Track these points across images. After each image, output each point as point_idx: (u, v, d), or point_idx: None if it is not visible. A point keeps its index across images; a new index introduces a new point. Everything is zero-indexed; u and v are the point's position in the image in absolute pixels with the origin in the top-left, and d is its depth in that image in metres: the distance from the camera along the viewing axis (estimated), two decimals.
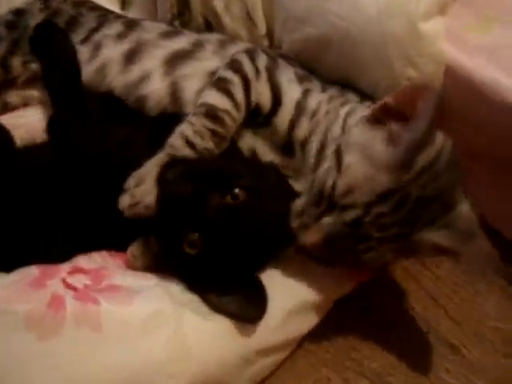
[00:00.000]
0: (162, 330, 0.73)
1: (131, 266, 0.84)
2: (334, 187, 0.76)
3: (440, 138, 0.77)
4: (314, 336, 0.89)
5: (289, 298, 0.84)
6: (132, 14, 1.28)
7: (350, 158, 0.77)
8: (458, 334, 0.95)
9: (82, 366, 0.69)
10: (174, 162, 0.83)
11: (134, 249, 0.83)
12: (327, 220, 0.77)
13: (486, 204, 0.90)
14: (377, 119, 0.79)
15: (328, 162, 0.80)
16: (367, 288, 0.93)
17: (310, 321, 0.87)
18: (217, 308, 0.78)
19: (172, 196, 0.78)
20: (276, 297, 0.80)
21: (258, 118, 0.92)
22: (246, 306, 0.78)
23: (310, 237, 0.78)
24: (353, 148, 0.78)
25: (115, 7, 1.30)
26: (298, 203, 0.81)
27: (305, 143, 0.89)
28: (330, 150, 0.81)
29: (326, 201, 0.77)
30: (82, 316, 0.71)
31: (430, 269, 1.02)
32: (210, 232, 0.77)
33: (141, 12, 1.28)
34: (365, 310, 0.95)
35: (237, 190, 0.78)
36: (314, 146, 0.86)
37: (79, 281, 0.76)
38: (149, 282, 0.80)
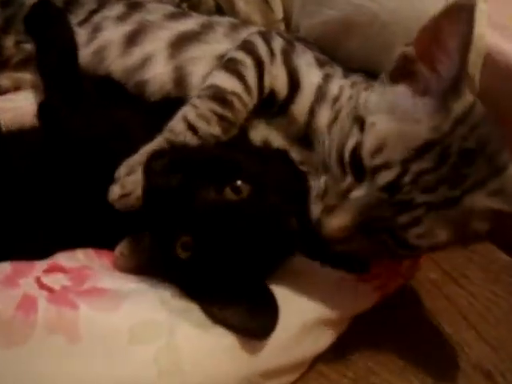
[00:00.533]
0: (152, 341, 0.63)
1: (119, 267, 0.74)
2: (358, 149, 0.64)
3: (469, 93, 0.66)
4: (329, 356, 0.78)
5: (302, 312, 0.73)
6: None
7: (373, 118, 0.66)
8: (493, 359, 0.83)
9: (51, 381, 0.59)
10: (164, 151, 0.73)
11: (123, 246, 0.74)
12: (357, 193, 0.64)
13: None
14: (397, 76, 0.68)
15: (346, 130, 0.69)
16: (391, 302, 0.82)
17: (324, 339, 0.76)
18: (218, 320, 0.67)
19: (157, 189, 0.67)
20: (287, 311, 0.69)
21: (272, 107, 0.83)
22: (253, 319, 0.67)
23: (339, 219, 0.64)
24: (375, 110, 0.67)
25: None
26: (317, 185, 0.70)
27: (326, 134, 0.78)
28: None
29: (351, 170, 0.65)
30: (56, 322, 0.61)
31: (462, 285, 0.91)
32: (203, 233, 0.65)
33: None
34: (387, 327, 0.83)
35: (239, 183, 0.67)
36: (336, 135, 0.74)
37: (56, 281, 0.66)
38: (139, 285, 0.70)
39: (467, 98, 0.65)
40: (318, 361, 0.77)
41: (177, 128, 0.75)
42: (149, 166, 0.69)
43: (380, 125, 0.64)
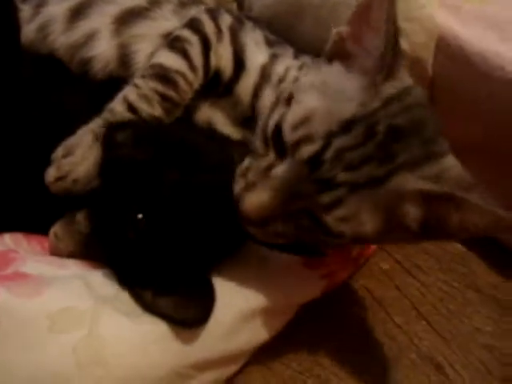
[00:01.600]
0: (72, 330, 0.60)
1: (53, 249, 0.71)
2: (281, 123, 0.61)
3: (409, 79, 0.64)
4: (272, 347, 0.75)
5: (241, 300, 0.70)
6: None
7: (302, 96, 0.62)
8: (444, 351, 0.81)
9: None
10: (122, 125, 0.70)
11: (56, 228, 0.71)
12: (278, 170, 0.60)
13: None
14: (333, 56, 0.66)
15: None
16: (338, 292, 0.80)
17: (266, 329, 0.72)
18: (149, 307, 0.64)
19: (118, 161, 0.64)
20: (225, 298, 0.67)
21: (217, 87, 0.79)
22: (186, 308, 0.64)
23: (256, 195, 0.60)
24: (306, 89, 0.63)
25: None
26: (243, 163, 0.66)
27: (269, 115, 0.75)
28: None
29: (273, 146, 0.62)
30: None
31: (415, 275, 0.88)
32: (160, 214, 0.63)
33: None
34: (334, 318, 0.81)
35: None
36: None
37: None
38: (66, 271, 0.67)
39: (403, 80, 0.62)
40: (262, 351, 0.74)
41: (116, 109, 0.72)
42: (110, 136, 0.66)
43: (307, 101, 0.61)
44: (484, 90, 0.79)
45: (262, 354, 0.75)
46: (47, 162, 0.69)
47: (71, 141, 0.69)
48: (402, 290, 0.86)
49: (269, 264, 0.74)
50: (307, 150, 0.57)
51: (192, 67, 0.75)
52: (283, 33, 0.88)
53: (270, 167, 0.62)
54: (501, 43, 0.78)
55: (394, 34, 0.58)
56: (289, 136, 0.59)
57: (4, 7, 0.86)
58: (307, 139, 0.58)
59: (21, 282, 0.62)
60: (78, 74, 0.85)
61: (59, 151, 0.69)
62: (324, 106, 0.59)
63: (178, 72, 0.74)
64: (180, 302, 0.64)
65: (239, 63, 0.78)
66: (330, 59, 0.65)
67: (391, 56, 0.59)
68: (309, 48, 0.86)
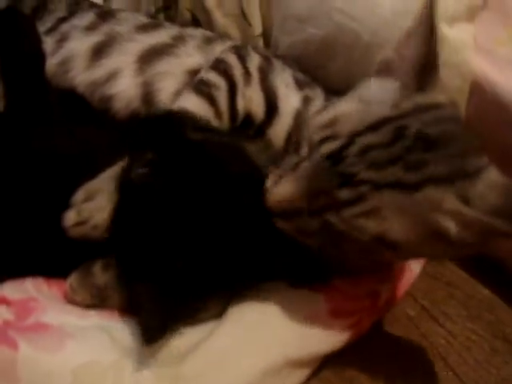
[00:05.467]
0: None
1: (70, 301, 0.69)
2: (313, 124, 0.62)
3: (443, 97, 0.63)
4: None
5: (263, 353, 0.67)
6: (115, 6, 1.14)
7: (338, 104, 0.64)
8: None
9: None
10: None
11: (72, 280, 0.68)
12: (304, 164, 0.60)
13: None
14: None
15: None
16: (364, 343, 0.76)
17: (292, 381, 0.69)
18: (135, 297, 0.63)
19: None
20: (246, 352, 0.65)
21: (249, 130, 0.78)
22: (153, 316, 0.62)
23: (282, 187, 0.60)
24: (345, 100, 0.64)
25: None
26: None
27: None
28: None
29: (306, 145, 0.62)
30: None
31: (441, 323, 0.85)
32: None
33: (124, 5, 1.14)
34: (355, 367, 0.77)
35: None
36: None
37: None
38: (88, 321, 0.65)
39: (435, 96, 0.62)
40: None
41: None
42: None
43: (341, 105, 0.62)
44: None
45: None
46: (67, 203, 0.67)
47: (93, 185, 0.68)
48: (429, 338, 0.84)
49: (293, 314, 0.71)
50: (330, 146, 0.58)
51: (218, 114, 0.75)
52: (311, 71, 0.87)
53: (298, 163, 0.61)
54: None
55: (430, 54, 0.60)
56: (316, 136, 0.60)
57: (31, 35, 0.86)
58: (332, 137, 0.58)
59: (42, 334, 0.60)
60: (99, 111, 0.84)
61: (80, 195, 0.67)
62: (354, 108, 0.60)
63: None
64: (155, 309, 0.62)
65: (271, 107, 0.77)
66: None
67: (423, 71, 0.60)
68: (339, 87, 0.85)
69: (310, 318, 0.71)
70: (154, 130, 0.65)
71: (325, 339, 0.73)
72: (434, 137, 0.57)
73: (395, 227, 0.57)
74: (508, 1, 0.83)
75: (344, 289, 0.74)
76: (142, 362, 0.61)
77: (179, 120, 0.67)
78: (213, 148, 0.65)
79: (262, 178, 0.64)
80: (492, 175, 0.59)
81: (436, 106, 0.60)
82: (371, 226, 0.57)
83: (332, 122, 0.59)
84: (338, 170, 0.57)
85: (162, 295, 0.62)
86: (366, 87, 0.64)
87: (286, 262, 0.68)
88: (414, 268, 0.83)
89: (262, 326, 0.69)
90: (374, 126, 0.57)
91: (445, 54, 0.77)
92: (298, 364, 0.70)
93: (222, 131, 0.74)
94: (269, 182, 0.63)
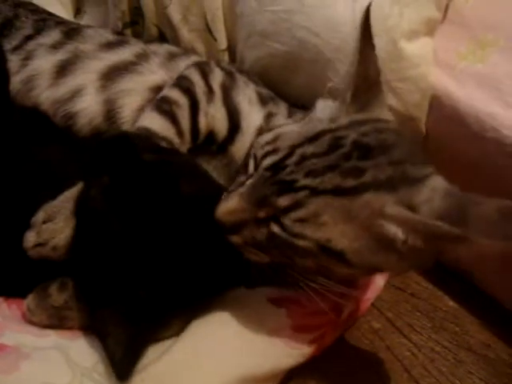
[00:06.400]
0: None
1: (28, 321, 0.68)
2: (258, 142, 0.65)
3: (388, 114, 0.66)
4: None
5: (225, 368, 0.67)
6: (85, 22, 1.14)
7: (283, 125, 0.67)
8: None
9: None
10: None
11: (29, 301, 0.68)
12: (250, 180, 0.62)
13: (487, 272, 0.80)
14: None
15: None
16: (328, 353, 0.76)
17: None
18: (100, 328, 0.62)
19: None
20: (209, 366, 0.65)
21: (212, 146, 0.78)
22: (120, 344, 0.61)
23: (228, 201, 0.62)
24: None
25: (69, 15, 1.16)
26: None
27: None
28: None
29: (251, 163, 0.64)
30: None
31: (406, 335, 0.86)
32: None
33: (93, 21, 1.14)
34: (323, 380, 0.78)
35: None
36: None
37: None
38: (46, 340, 0.65)
39: (375, 113, 0.64)
40: None
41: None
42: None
43: (284, 127, 0.65)
44: (477, 149, 0.78)
45: None
46: (27, 223, 0.67)
47: (52, 206, 0.68)
48: (393, 350, 0.84)
49: (256, 328, 0.71)
50: (272, 159, 0.61)
51: (180, 132, 0.75)
52: (276, 85, 0.88)
53: (245, 180, 0.63)
54: (494, 103, 0.76)
55: (368, 71, 0.63)
56: (260, 151, 0.62)
57: None
58: (273, 151, 0.61)
59: None
60: (62, 129, 0.84)
61: (40, 216, 0.67)
62: (296, 127, 0.63)
63: (164, 138, 0.74)
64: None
65: (234, 124, 0.78)
66: None
67: (360, 87, 0.62)
68: (302, 101, 0.86)
69: (273, 333, 0.72)
70: (110, 152, 0.65)
71: (287, 353, 0.73)
72: (372, 145, 0.60)
73: (337, 234, 0.58)
74: (468, 15, 0.83)
75: (307, 303, 0.74)
76: (97, 380, 0.61)
77: (134, 141, 0.67)
78: (167, 168, 0.66)
79: (219, 196, 0.65)
80: (437, 182, 0.60)
81: (374, 121, 0.63)
82: (311, 231, 0.59)
83: (275, 139, 0.62)
84: (277, 179, 0.59)
85: (125, 319, 0.62)
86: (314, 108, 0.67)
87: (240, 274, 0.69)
88: (379, 281, 0.83)
89: (223, 343, 0.69)
90: (313, 138, 0.60)
91: (403, 69, 0.78)
92: (260, 379, 0.70)
93: (179, 151, 0.74)
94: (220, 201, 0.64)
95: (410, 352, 0.84)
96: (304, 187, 0.58)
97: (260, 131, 0.78)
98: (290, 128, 0.64)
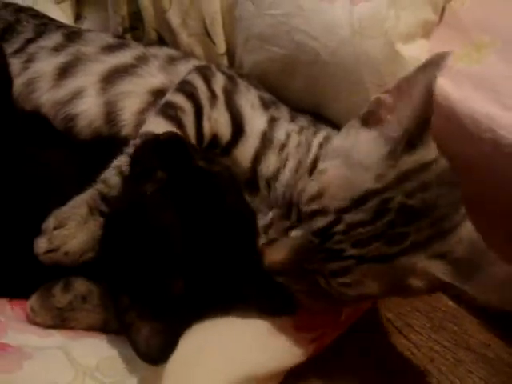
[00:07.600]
0: None
1: (31, 322, 0.69)
2: (302, 193, 0.65)
3: (435, 151, 0.64)
4: None
5: (229, 366, 0.67)
6: (85, 27, 1.15)
7: (326, 164, 0.66)
8: None
9: None
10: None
11: (32, 302, 0.68)
12: (295, 232, 0.64)
13: None
14: (368, 121, 0.66)
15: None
16: (327, 356, 0.78)
17: None
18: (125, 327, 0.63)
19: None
20: (212, 364, 0.66)
21: (215, 149, 0.79)
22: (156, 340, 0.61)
23: (276, 253, 0.65)
24: (332, 155, 0.67)
25: (69, 21, 1.16)
26: (265, 218, 0.70)
27: (272, 180, 0.78)
28: None
29: (295, 211, 0.66)
30: None
31: (406, 335, 0.86)
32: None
33: (94, 26, 1.15)
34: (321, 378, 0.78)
35: None
36: (283, 183, 0.77)
37: None
38: (49, 340, 0.65)
39: (425, 153, 0.63)
40: None
41: (111, 181, 0.71)
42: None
43: (329, 171, 0.64)
44: (474, 150, 0.78)
45: None
46: (34, 225, 0.67)
47: (63, 212, 0.68)
48: (393, 350, 0.85)
49: (257, 327, 0.72)
50: (319, 222, 0.61)
51: (185, 136, 0.75)
52: (275, 90, 0.88)
53: (290, 228, 0.66)
54: (490, 104, 0.77)
55: (425, 112, 0.61)
56: (304, 207, 0.63)
57: None
58: (321, 211, 0.62)
59: (1, 354, 0.60)
60: (62, 131, 0.84)
61: (50, 222, 0.67)
62: (342, 176, 0.63)
63: None
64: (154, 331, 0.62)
65: (237, 128, 0.78)
66: (365, 123, 0.66)
67: (416, 129, 0.61)
68: (301, 105, 0.87)
69: (276, 332, 0.73)
70: (165, 152, 0.66)
71: (288, 352, 0.73)
72: (417, 207, 0.60)
73: (372, 289, 0.62)
74: (464, 18, 0.85)
75: None
76: (100, 379, 0.61)
77: (187, 146, 0.69)
78: (217, 179, 0.68)
79: (251, 211, 0.71)
80: (464, 232, 0.63)
81: (421, 168, 0.62)
82: (353, 293, 0.63)
83: (320, 194, 0.62)
84: (326, 247, 0.62)
85: (158, 316, 0.63)
86: (356, 139, 0.66)
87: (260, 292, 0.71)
88: None
89: (227, 339, 0.70)
90: (359, 201, 0.60)
91: (400, 71, 0.78)
92: (263, 378, 0.70)
93: (222, 162, 0.75)
94: (260, 243, 0.68)
95: (409, 352, 0.85)
96: (351, 256, 0.61)
97: (264, 136, 0.79)
98: (333, 174, 0.64)
